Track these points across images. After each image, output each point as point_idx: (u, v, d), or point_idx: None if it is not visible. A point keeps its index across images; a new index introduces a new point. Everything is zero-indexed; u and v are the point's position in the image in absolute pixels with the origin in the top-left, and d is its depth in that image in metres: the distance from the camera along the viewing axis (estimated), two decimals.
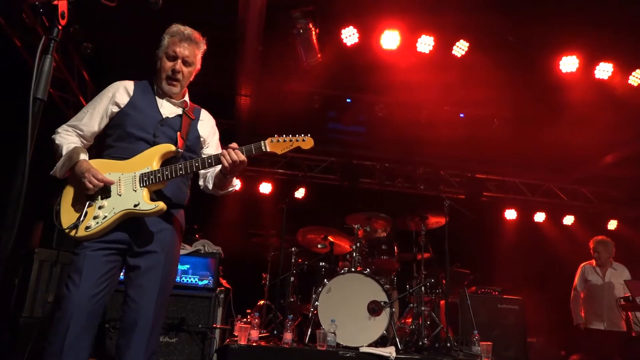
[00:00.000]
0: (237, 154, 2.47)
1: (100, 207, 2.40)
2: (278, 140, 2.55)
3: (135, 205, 2.38)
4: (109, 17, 5.49)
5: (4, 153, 3.80)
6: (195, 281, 4.62)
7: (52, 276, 4.26)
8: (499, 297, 6.05)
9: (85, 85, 6.47)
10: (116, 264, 2.45)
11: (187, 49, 2.63)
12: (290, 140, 2.56)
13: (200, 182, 2.82)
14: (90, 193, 2.40)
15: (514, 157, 8.20)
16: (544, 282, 7.87)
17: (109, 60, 6.10)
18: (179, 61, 2.62)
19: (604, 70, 5.87)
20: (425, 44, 5.70)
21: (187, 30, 2.65)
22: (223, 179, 2.63)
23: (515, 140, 7.59)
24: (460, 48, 5.77)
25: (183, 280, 4.58)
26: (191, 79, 2.75)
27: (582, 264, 6.13)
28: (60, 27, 1.46)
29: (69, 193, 2.48)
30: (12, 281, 4.16)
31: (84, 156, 2.49)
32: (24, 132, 1.36)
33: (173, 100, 2.69)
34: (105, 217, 2.37)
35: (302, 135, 2.59)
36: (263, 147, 2.53)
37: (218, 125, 2.96)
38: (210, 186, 2.77)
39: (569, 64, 5.81)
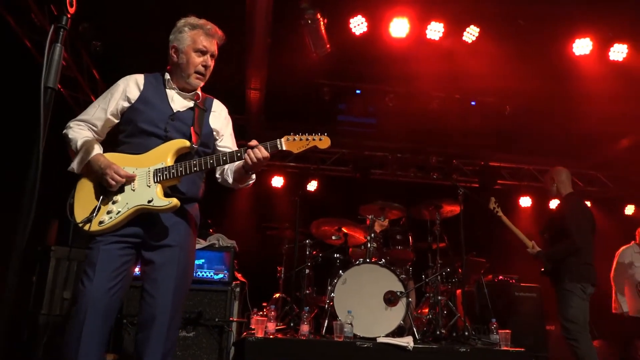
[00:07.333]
0: (261, 151, 2.43)
1: (114, 202, 2.38)
2: (294, 139, 2.48)
3: (149, 201, 2.36)
4: (117, 14, 5.48)
5: (16, 155, 3.83)
6: (211, 275, 4.62)
7: (69, 273, 4.29)
8: (516, 284, 5.98)
9: (95, 84, 6.48)
10: (130, 257, 2.43)
11: (214, 45, 2.63)
12: (307, 139, 2.49)
13: (217, 175, 2.78)
14: (114, 189, 2.38)
15: (528, 144, 8.09)
16: None
17: (118, 58, 6.10)
18: (209, 56, 2.61)
19: (618, 52, 5.75)
20: (435, 30, 5.61)
21: (209, 24, 2.63)
22: (245, 174, 2.61)
23: (529, 127, 7.48)
24: (471, 34, 5.68)
25: (198, 275, 4.59)
26: None
27: (624, 247, 5.93)
28: (69, 15, 1.44)
29: (83, 187, 2.45)
30: (29, 278, 4.20)
31: (99, 150, 2.48)
32: (36, 122, 1.34)
33: (183, 93, 2.65)
34: (119, 212, 2.35)
35: (319, 134, 2.51)
36: (279, 145, 2.47)
37: None
38: (230, 180, 2.73)
39: (582, 46, 5.69)
